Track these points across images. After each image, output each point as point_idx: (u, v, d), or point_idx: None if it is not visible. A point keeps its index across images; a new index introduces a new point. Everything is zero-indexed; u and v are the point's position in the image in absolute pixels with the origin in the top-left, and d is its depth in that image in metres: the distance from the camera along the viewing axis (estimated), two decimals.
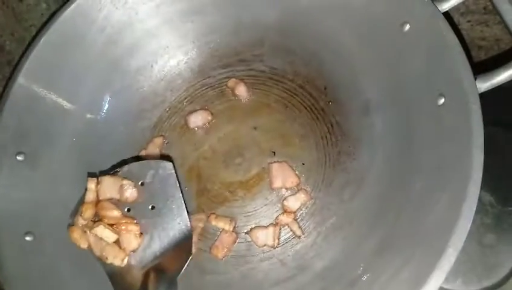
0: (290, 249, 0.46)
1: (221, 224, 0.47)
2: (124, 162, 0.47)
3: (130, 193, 0.41)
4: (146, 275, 0.37)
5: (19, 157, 0.45)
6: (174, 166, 0.44)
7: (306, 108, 0.51)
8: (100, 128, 0.51)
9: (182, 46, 0.54)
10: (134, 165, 0.43)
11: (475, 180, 0.33)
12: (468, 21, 0.55)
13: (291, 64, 0.52)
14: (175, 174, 0.42)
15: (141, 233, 0.41)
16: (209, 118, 0.51)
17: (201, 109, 0.52)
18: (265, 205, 0.48)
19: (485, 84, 0.36)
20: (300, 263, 0.45)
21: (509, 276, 0.45)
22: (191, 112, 0.52)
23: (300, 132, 0.50)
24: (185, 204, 0.42)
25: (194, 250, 0.41)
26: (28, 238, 0.42)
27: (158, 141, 0.51)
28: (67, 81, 0.48)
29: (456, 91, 0.37)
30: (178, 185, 0.42)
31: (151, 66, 0.53)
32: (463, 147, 0.35)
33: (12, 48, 0.57)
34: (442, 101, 0.38)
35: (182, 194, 0.42)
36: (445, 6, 0.40)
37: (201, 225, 0.47)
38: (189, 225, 0.41)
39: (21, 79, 0.45)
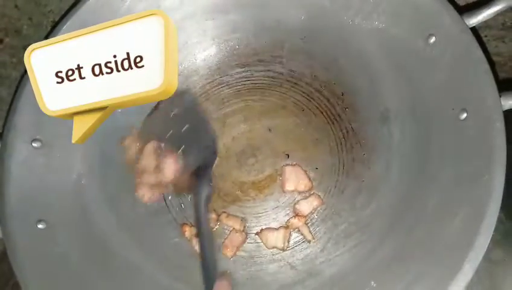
0: (299, 252, 0.46)
1: (232, 223, 0.47)
2: None
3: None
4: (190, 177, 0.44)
5: (35, 144, 0.44)
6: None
7: (322, 113, 0.50)
8: (116, 120, 0.50)
9: (201, 43, 0.53)
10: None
11: (495, 198, 0.33)
12: (485, 36, 0.55)
13: (310, 68, 0.52)
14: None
15: None
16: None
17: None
18: (276, 207, 0.48)
19: (509, 102, 0.36)
20: (309, 268, 0.45)
21: None
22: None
23: (315, 136, 0.50)
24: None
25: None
26: (40, 226, 0.42)
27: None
28: None
29: (479, 107, 0.37)
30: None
31: None
32: (484, 164, 0.35)
33: (30, 33, 0.57)
34: (464, 116, 0.38)
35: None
36: (472, 22, 0.40)
37: (211, 225, 0.47)
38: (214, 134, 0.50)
39: None
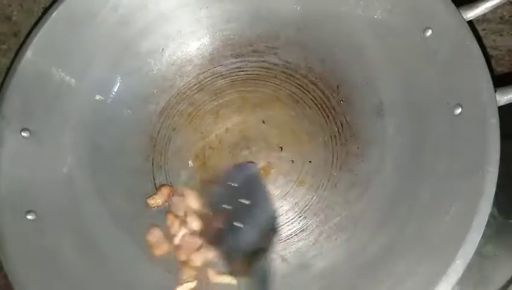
0: (291, 245, 0.46)
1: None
2: None
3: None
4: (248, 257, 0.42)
5: (24, 134, 0.44)
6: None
7: (317, 105, 0.50)
8: (107, 110, 0.50)
9: (195, 32, 0.53)
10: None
11: (488, 194, 0.33)
12: (483, 29, 0.54)
13: (305, 59, 0.51)
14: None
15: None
16: None
17: None
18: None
19: (505, 98, 0.36)
20: (301, 261, 0.45)
21: (506, 287, 0.45)
22: None
23: (310, 129, 0.49)
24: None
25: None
26: (29, 217, 0.41)
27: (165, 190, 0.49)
28: (76, 59, 0.47)
29: (474, 102, 0.36)
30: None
31: (162, 49, 0.52)
32: (478, 159, 0.35)
33: (20, 19, 0.56)
34: (459, 110, 0.38)
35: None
36: (470, 15, 0.39)
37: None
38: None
39: (29, 53, 0.44)
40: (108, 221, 0.46)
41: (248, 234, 0.43)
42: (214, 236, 0.44)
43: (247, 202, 0.44)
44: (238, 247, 0.42)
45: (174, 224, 0.46)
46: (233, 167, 0.48)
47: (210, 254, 0.44)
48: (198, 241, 0.45)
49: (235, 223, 0.43)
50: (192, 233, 0.45)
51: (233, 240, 0.43)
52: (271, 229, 0.45)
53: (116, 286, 0.43)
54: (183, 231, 0.45)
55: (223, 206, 0.45)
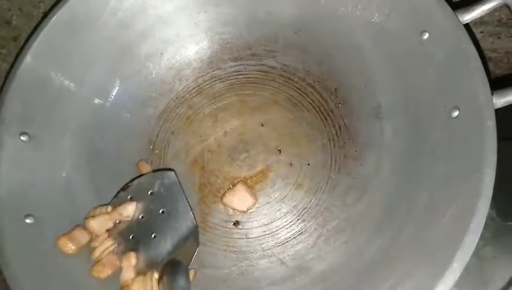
0: (290, 248, 0.46)
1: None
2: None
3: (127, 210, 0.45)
4: (163, 268, 0.41)
5: (23, 138, 0.44)
6: (176, 175, 0.47)
7: (315, 108, 0.50)
8: (106, 113, 0.50)
9: (193, 36, 0.53)
10: (142, 178, 0.48)
11: (485, 196, 0.33)
12: (481, 32, 0.55)
13: (303, 62, 0.51)
14: (178, 181, 0.47)
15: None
16: None
17: None
18: (268, 202, 0.48)
19: (502, 100, 0.36)
20: (299, 264, 0.45)
21: (505, 289, 0.45)
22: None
23: (308, 131, 0.49)
24: (189, 205, 0.46)
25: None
26: (28, 221, 0.41)
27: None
28: (76, 63, 0.47)
29: (471, 105, 0.37)
30: (182, 190, 0.46)
31: (161, 53, 0.53)
32: (475, 162, 0.35)
33: (19, 24, 0.56)
34: (456, 113, 0.38)
35: (186, 198, 0.46)
36: (466, 18, 0.39)
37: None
38: (194, 222, 0.45)
39: (29, 58, 0.44)
40: None
41: (161, 245, 0.43)
42: (129, 246, 0.44)
43: (161, 211, 0.45)
44: (151, 258, 0.42)
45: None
46: (150, 175, 0.48)
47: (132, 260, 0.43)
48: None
49: (150, 233, 0.44)
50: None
51: (146, 250, 0.43)
52: (186, 241, 0.43)
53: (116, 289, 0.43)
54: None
55: (140, 216, 0.45)
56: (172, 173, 0.47)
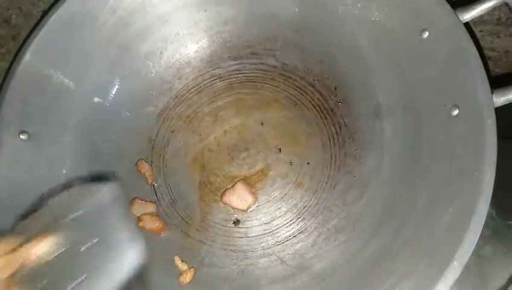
0: (290, 247, 0.46)
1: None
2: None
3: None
4: None
5: (22, 137, 0.44)
6: (117, 188, 0.33)
7: (315, 107, 0.50)
8: (105, 112, 0.50)
9: (193, 34, 0.53)
10: (66, 195, 0.33)
11: (485, 195, 0.33)
12: (480, 31, 0.55)
13: (303, 61, 0.51)
14: (120, 198, 0.32)
15: None
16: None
17: None
18: (268, 201, 0.48)
19: (502, 99, 0.36)
20: (299, 262, 0.45)
21: (505, 287, 0.45)
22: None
23: (308, 130, 0.49)
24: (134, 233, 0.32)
25: None
26: None
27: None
28: (75, 61, 0.47)
29: (471, 104, 0.36)
30: (123, 211, 0.32)
31: (161, 52, 0.53)
32: (475, 161, 0.35)
33: (19, 23, 0.56)
34: (456, 112, 0.38)
35: (129, 221, 0.35)
36: (466, 17, 0.39)
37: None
38: (140, 257, 0.31)
39: (28, 56, 0.44)
40: None
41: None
42: None
43: (91, 243, 0.30)
44: None
45: None
46: (78, 189, 0.35)
47: None
48: None
49: (73, 276, 0.29)
50: None
51: None
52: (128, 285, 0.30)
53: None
54: None
55: (59, 252, 0.29)
56: (111, 185, 0.32)
